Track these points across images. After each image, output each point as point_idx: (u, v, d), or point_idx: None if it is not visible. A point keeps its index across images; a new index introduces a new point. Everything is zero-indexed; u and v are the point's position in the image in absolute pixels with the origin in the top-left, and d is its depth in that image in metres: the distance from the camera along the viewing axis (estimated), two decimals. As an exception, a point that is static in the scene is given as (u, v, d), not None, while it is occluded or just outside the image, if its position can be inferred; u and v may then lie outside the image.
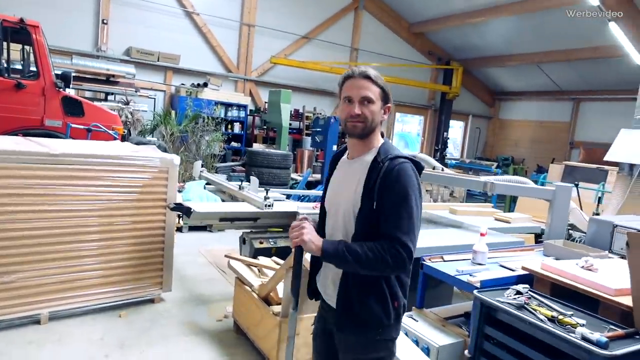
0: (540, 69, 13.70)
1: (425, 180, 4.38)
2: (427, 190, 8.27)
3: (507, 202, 8.75)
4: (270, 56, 11.65)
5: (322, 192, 2.09)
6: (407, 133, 16.14)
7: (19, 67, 5.88)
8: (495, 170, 10.13)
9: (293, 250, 1.78)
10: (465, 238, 3.40)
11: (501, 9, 11.30)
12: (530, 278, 2.50)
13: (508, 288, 2.33)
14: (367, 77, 1.73)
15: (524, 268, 2.54)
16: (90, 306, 3.51)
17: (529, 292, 2.29)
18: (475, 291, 2.28)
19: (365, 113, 1.70)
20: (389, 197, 1.64)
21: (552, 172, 8.58)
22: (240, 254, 3.88)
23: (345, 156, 1.90)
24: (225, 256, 3.51)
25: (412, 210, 1.63)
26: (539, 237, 4.88)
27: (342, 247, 1.63)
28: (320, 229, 1.90)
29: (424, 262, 2.75)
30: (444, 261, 2.82)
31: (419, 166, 1.74)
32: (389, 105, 1.79)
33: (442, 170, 3.86)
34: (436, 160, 7.58)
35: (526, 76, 14.64)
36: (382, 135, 1.84)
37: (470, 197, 10.30)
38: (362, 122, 1.71)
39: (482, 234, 2.80)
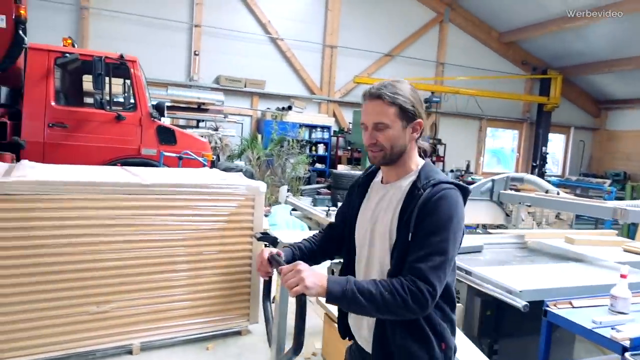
0: (656, 73, 12.14)
1: (538, 206, 3.85)
2: (529, 213, 7.51)
3: (625, 227, 7.67)
4: (353, 76, 11.56)
5: (337, 213, 1.84)
6: (499, 149, 15.10)
7: (119, 99, 6.27)
8: (609, 188, 8.98)
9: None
10: (593, 276, 2.85)
11: (606, 8, 10.19)
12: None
13: (669, 349, 1.82)
14: (378, 97, 1.47)
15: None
16: (179, 337, 3.46)
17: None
18: (627, 354, 1.80)
19: (381, 140, 1.48)
20: (425, 225, 1.40)
21: (682, 190, 7.38)
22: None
23: (378, 180, 1.65)
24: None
25: (447, 244, 1.41)
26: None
27: (352, 287, 1.34)
28: (345, 263, 1.68)
29: (549, 309, 2.29)
30: (573, 307, 2.34)
31: (465, 193, 1.51)
32: (419, 121, 1.52)
33: (558, 193, 3.33)
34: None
35: (636, 81, 13.04)
36: (425, 155, 1.59)
37: (578, 218, 9.21)
38: (381, 151, 1.49)
39: (622, 275, 2.29)
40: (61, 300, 3.02)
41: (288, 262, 1.54)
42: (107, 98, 5.53)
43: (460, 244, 1.52)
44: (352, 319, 1.69)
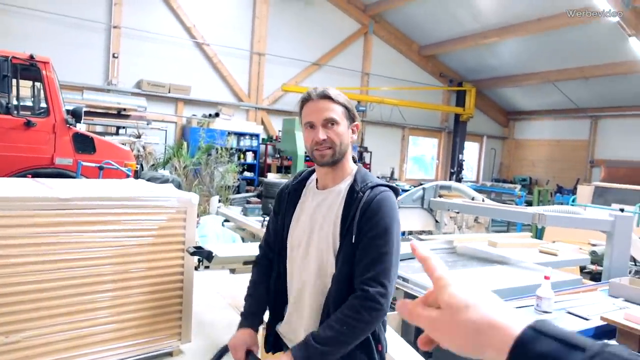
0: (555, 87, 13.44)
1: (466, 213, 4.05)
2: (450, 217, 7.92)
3: (534, 228, 8.35)
4: (281, 84, 11.54)
5: (268, 227, 1.82)
6: (421, 156, 15.85)
7: (28, 103, 5.72)
8: (519, 193, 9.76)
9: None
10: (517, 278, 3.05)
11: (514, 28, 11.16)
12: (610, 329, 2.15)
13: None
14: (327, 97, 1.52)
15: (603, 319, 2.19)
16: (103, 364, 3.18)
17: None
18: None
19: (332, 137, 1.51)
20: (369, 230, 1.45)
21: (581, 193, 8.20)
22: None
23: (312, 186, 1.65)
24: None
25: (392, 246, 1.48)
26: (583, 270, 4.51)
27: (312, 343, 1.40)
28: (276, 271, 1.68)
29: (483, 312, 2.40)
30: (504, 309, 2.46)
31: (397, 194, 1.60)
32: (356, 123, 1.59)
33: (483, 200, 3.54)
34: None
35: (541, 95, 14.38)
36: (355, 161, 1.64)
37: (493, 221, 9.89)
38: (330, 148, 1.51)
39: (546, 277, 2.46)
40: (-38, 332, 2.66)
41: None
42: (15, 102, 5.02)
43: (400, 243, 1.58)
44: (286, 325, 1.66)
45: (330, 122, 1.52)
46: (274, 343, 1.70)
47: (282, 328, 1.68)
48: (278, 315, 1.69)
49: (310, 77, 12.31)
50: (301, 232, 1.61)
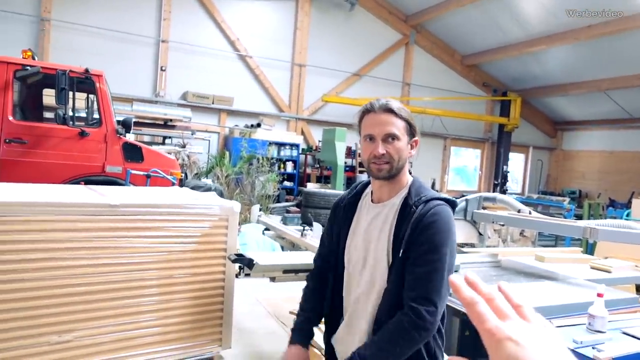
0: (607, 96, 12.83)
1: (511, 225, 3.92)
2: (494, 230, 7.68)
3: (584, 243, 7.96)
4: (321, 94, 11.63)
5: (323, 241, 1.82)
6: (463, 167, 15.50)
7: (82, 114, 6.03)
8: (568, 206, 9.35)
9: None
10: (567, 295, 2.91)
11: (563, 35, 10.78)
12: (671, 353, 2.01)
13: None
14: (390, 111, 1.49)
15: (663, 341, 2.04)
16: (147, 366, 3.27)
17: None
18: (611, 374, 1.82)
19: (391, 152, 1.47)
20: (420, 245, 1.41)
21: (636, 207, 7.75)
22: (304, 309, 3.55)
23: (368, 199, 1.63)
24: (291, 312, 3.20)
25: (444, 261, 1.44)
26: (639, 289, 4.24)
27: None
28: (331, 285, 1.67)
29: (530, 329, 2.30)
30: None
31: (454, 206, 1.56)
32: (416, 139, 1.55)
33: (530, 213, 3.41)
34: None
35: (591, 104, 13.77)
36: (410, 173, 1.61)
37: (540, 235, 9.51)
38: (388, 163, 1.48)
39: (599, 294, 2.33)
40: (19, 331, 2.80)
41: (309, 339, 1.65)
42: (70, 113, 5.31)
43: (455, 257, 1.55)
44: (340, 344, 1.65)
45: (391, 137, 1.50)
46: (329, 358, 1.70)
47: (335, 342, 1.67)
48: (334, 330, 1.68)
49: (351, 88, 12.34)
50: (358, 246, 1.60)
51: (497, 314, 0.48)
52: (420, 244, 1.44)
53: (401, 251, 1.45)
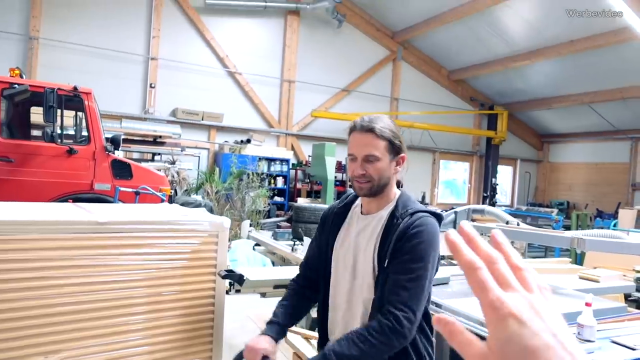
0: (591, 109, 13.09)
1: (500, 237, 3.94)
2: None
3: (573, 253, 8.02)
4: (311, 110, 11.71)
5: (311, 248, 1.84)
6: (452, 180, 15.62)
7: (71, 132, 6.00)
8: (557, 217, 9.44)
9: None
10: (557, 305, 2.91)
11: (546, 51, 11.02)
12: (660, 360, 2.02)
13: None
14: (370, 131, 1.52)
15: (651, 349, 2.06)
16: (135, 386, 3.20)
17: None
18: (601, 383, 1.83)
19: (371, 172, 1.51)
20: (403, 254, 1.44)
21: (622, 218, 7.86)
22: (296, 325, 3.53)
23: (357, 210, 1.67)
24: (281, 329, 3.17)
25: (426, 271, 1.47)
26: (628, 297, 4.27)
27: (332, 358, 1.38)
28: (322, 294, 1.69)
29: (520, 340, 2.30)
30: (543, 337, 2.36)
31: (440, 219, 1.59)
32: (402, 155, 1.58)
33: (518, 224, 3.44)
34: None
35: (576, 117, 14.03)
36: (400, 186, 1.65)
37: (530, 246, 9.58)
38: (369, 182, 1.52)
39: (587, 304, 2.35)
40: (3, 352, 2.74)
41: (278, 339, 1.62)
42: (59, 131, 5.28)
43: (437, 271, 1.56)
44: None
45: (370, 158, 1.53)
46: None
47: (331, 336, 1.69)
48: (325, 340, 1.69)
49: (340, 103, 12.45)
50: (346, 256, 1.63)
51: (498, 281, 0.43)
52: (403, 253, 1.47)
53: (386, 261, 1.49)
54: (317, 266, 1.74)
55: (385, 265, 1.49)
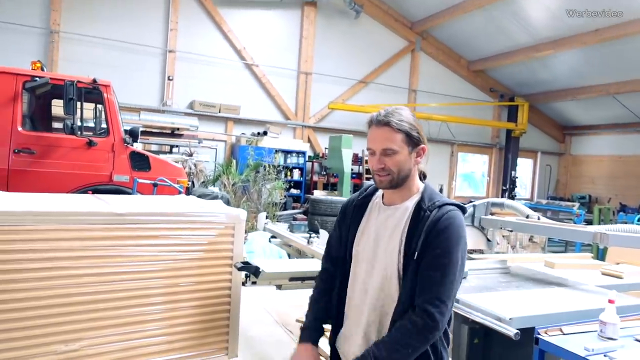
0: (616, 100, 12.72)
1: (520, 231, 3.88)
2: (503, 236, 7.60)
3: (595, 249, 7.85)
4: (327, 102, 11.65)
5: (331, 241, 1.84)
6: (470, 173, 15.41)
7: (89, 124, 6.08)
8: (578, 211, 9.24)
9: None
10: (578, 301, 2.85)
11: (570, 40, 10.74)
12: (686, 360, 1.95)
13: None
14: (387, 124, 1.53)
15: (678, 348, 1.99)
16: (153, 375, 3.25)
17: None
18: (624, 383, 1.77)
19: (389, 165, 1.53)
20: (434, 249, 1.47)
21: (647, 212, 7.64)
22: (311, 317, 3.52)
23: (379, 201, 1.68)
24: (297, 321, 3.18)
25: (456, 265, 1.51)
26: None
27: None
28: (338, 285, 1.71)
29: (540, 337, 2.26)
30: (564, 334, 2.31)
31: (465, 212, 1.63)
32: (422, 146, 1.58)
33: (538, 218, 3.37)
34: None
35: (600, 108, 13.66)
36: (424, 177, 1.66)
37: (550, 240, 9.40)
38: (388, 175, 1.54)
39: (610, 301, 2.28)
40: (25, 340, 2.80)
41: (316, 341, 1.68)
42: (78, 123, 5.35)
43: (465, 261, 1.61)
44: (343, 339, 1.69)
45: (388, 151, 1.55)
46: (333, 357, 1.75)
47: (340, 341, 1.71)
48: (338, 328, 1.72)
49: (357, 95, 12.36)
50: (366, 246, 1.65)
51: None
52: (434, 248, 1.49)
53: (416, 253, 1.51)
54: (338, 259, 1.76)
55: (415, 257, 1.51)
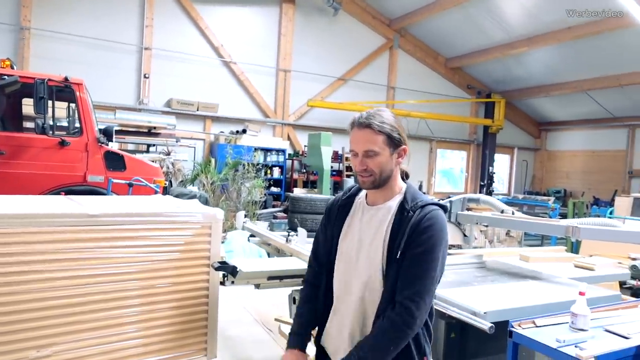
0: (589, 96, 13.04)
1: (495, 226, 3.94)
2: (480, 231, 7.73)
3: (569, 242, 8.03)
4: (307, 99, 11.63)
5: (317, 242, 1.87)
6: (449, 169, 15.60)
7: (62, 124, 5.94)
8: (553, 205, 9.45)
9: None
10: (551, 294, 2.92)
11: (544, 37, 10.95)
12: (653, 349, 2.02)
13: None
14: (368, 126, 1.57)
15: (645, 338, 2.05)
16: (130, 379, 3.20)
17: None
18: (593, 372, 1.82)
19: (371, 167, 1.57)
20: (416, 247, 1.51)
21: (619, 205, 7.86)
22: (290, 315, 3.52)
23: (362, 201, 1.72)
24: (276, 320, 3.17)
25: (437, 263, 1.56)
26: (623, 285, 4.29)
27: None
28: (324, 284, 1.74)
29: (514, 330, 2.30)
30: (537, 326, 2.35)
31: (445, 211, 1.68)
32: (403, 147, 1.63)
33: (513, 213, 3.43)
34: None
35: (574, 104, 13.99)
36: (407, 177, 1.71)
37: (526, 234, 9.59)
38: (370, 176, 1.58)
39: (581, 293, 2.34)
40: (-5, 346, 2.72)
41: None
42: (50, 123, 5.22)
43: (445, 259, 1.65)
44: (328, 337, 1.72)
45: (370, 153, 1.58)
46: (319, 356, 1.78)
47: (325, 340, 1.74)
48: (322, 327, 1.76)
49: (336, 92, 12.37)
50: (351, 245, 1.68)
51: None
52: (415, 247, 1.54)
53: (399, 252, 1.55)
54: (324, 258, 1.79)
55: (398, 256, 1.55)
